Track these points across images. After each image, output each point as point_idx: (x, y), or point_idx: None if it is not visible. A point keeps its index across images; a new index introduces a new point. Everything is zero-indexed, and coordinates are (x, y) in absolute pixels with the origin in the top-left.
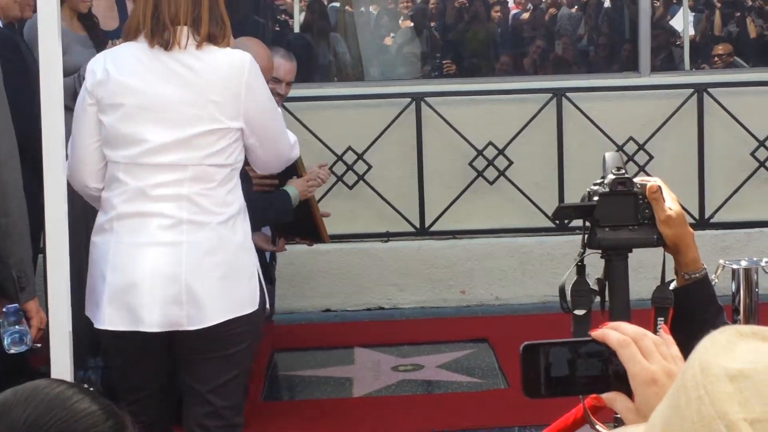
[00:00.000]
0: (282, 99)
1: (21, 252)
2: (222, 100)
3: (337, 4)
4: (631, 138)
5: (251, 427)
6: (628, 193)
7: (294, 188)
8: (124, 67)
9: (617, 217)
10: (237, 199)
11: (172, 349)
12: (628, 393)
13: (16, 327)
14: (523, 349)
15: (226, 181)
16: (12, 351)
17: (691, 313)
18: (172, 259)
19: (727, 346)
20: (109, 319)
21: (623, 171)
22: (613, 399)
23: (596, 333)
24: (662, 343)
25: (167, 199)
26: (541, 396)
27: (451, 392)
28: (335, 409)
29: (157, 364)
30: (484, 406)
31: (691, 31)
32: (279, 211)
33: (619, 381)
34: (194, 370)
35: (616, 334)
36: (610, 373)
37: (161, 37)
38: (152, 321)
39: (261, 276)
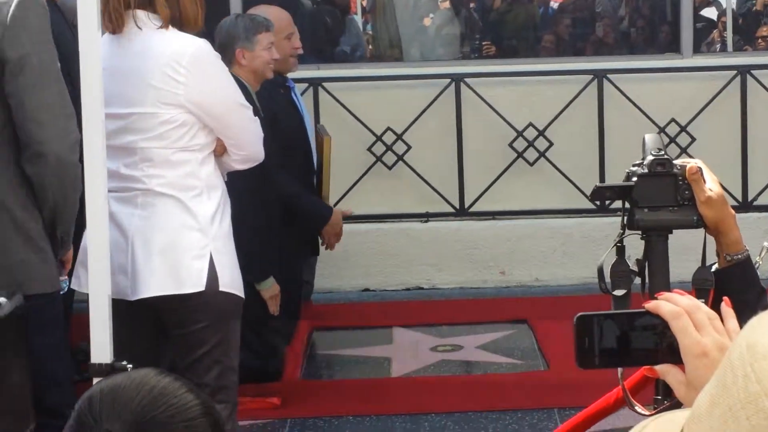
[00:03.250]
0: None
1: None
2: (160, 85)
3: None
4: (673, 120)
5: (289, 405)
6: (668, 173)
7: (333, 219)
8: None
9: (656, 197)
10: (199, 182)
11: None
12: (681, 365)
13: None
14: (577, 320)
15: (182, 164)
16: None
17: (731, 295)
18: (123, 230)
19: None
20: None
21: (663, 152)
22: (666, 371)
23: (650, 304)
24: (716, 317)
25: (123, 178)
26: (595, 367)
27: (489, 373)
28: (373, 389)
29: (129, 333)
30: (522, 388)
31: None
32: (312, 218)
33: (672, 354)
34: (171, 347)
35: (669, 305)
36: (664, 345)
37: (111, 24)
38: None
39: (216, 259)
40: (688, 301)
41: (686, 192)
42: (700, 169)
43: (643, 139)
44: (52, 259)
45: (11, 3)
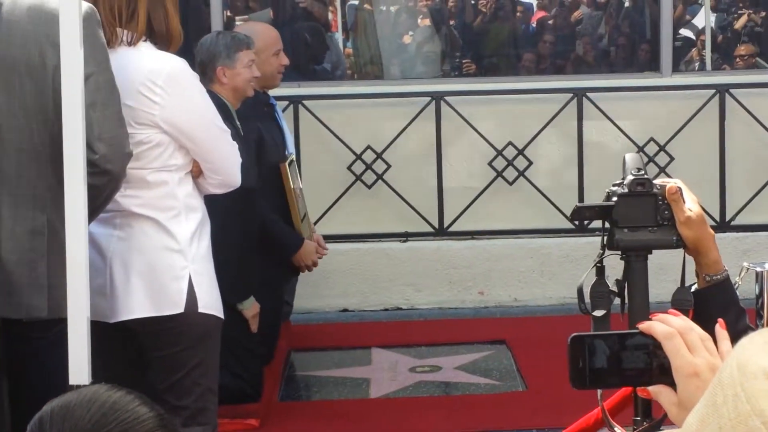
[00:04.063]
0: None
1: None
2: (135, 105)
3: (356, 2)
4: (651, 139)
5: (267, 426)
6: (648, 194)
7: (303, 250)
8: None
9: (636, 218)
10: (177, 203)
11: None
12: (673, 386)
13: None
14: (571, 340)
15: (160, 184)
16: None
17: (711, 315)
18: (101, 252)
19: (765, 346)
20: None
21: (643, 172)
22: (658, 392)
23: (643, 325)
24: (709, 338)
25: None
26: (587, 387)
27: (468, 394)
28: (352, 410)
29: (107, 355)
30: (501, 409)
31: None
32: (281, 247)
33: (664, 374)
34: (149, 368)
35: (662, 326)
36: (656, 366)
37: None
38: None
39: (195, 280)
40: (681, 322)
41: (666, 212)
42: (680, 189)
43: (624, 158)
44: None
45: None
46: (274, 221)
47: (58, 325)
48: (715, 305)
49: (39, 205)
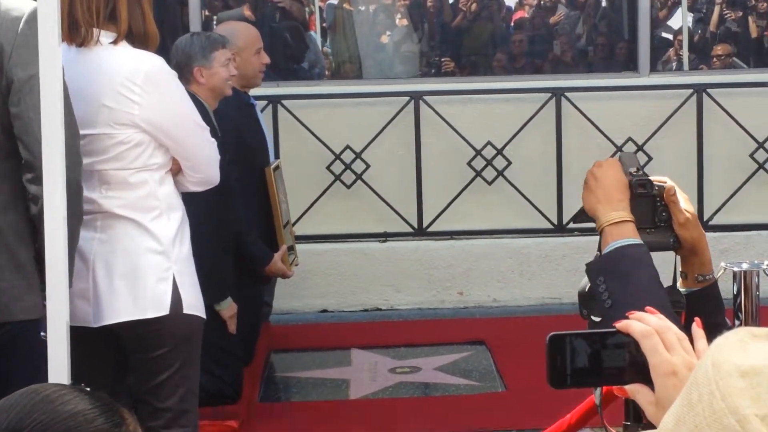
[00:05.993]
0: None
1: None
2: (114, 106)
3: (335, 2)
4: (630, 138)
5: (247, 428)
6: (648, 195)
7: (273, 260)
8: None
9: (635, 219)
10: (158, 203)
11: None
12: (651, 385)
13: None
14: (550, 339)
15: (141, 184)
16: None
17: (705, 315)
18: (82, 255)
19: (740, 345)
20: None
21: (641, 172)
22: (636, 391)
23: (620, 324)
24: (686, 337)
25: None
26: (567, 386)
27: (448, 395)
28: (332, 411)
29: (88, 358)
30: (481, 409)
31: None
32: (253, 258)
33: (642, 373)
34: (132, 370)
35: (639, 324)
36: (634, 364)
37: (78, 35)
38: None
39: (178, 281)
40: (658, 320)
41: (663, 213)
42: (675, 189)
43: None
44: (39, 286)
45: (20, 21)
46: (247, 232)
47: (4, 328)
48: (711, 305)
49: None
